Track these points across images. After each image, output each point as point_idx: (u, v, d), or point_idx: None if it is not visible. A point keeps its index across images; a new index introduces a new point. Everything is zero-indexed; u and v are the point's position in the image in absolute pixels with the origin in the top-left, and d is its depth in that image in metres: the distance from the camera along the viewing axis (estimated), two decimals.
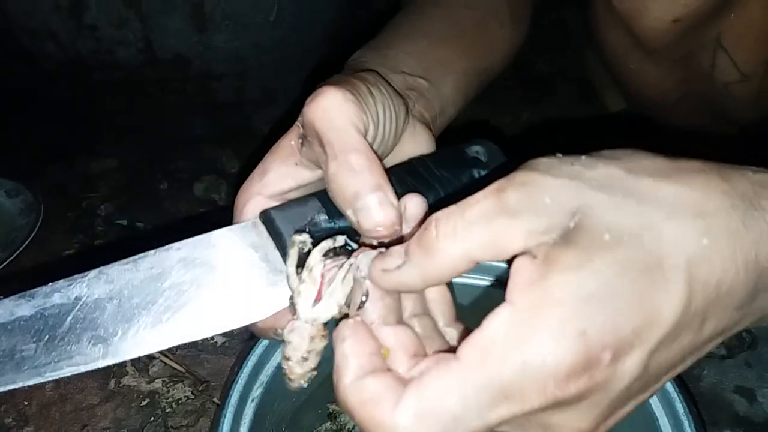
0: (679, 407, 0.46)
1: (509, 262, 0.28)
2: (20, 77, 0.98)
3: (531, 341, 0.25)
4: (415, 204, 0.36)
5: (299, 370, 0.35)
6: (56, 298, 0.35)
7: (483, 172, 0.45)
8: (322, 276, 0.35)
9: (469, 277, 0.58)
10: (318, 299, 0.35)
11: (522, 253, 0.27)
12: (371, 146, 0.37)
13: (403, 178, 0.41)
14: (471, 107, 1.12)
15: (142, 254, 0.37)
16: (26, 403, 0.69)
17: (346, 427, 0.58)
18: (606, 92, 1.09)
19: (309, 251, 0.36)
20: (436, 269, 0.29)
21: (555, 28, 1.25)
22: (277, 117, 1.11)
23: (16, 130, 1.06)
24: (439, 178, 0.42)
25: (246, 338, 0.71)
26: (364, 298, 0.32)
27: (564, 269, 0.25)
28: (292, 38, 0.98)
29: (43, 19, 0.88)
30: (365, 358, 0.30)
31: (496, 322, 0.26)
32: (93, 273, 0.36)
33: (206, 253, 0.38)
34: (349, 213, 0.36)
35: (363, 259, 0.33)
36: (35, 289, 0.35)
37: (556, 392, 0.25)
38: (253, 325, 0.38)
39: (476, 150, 0.46)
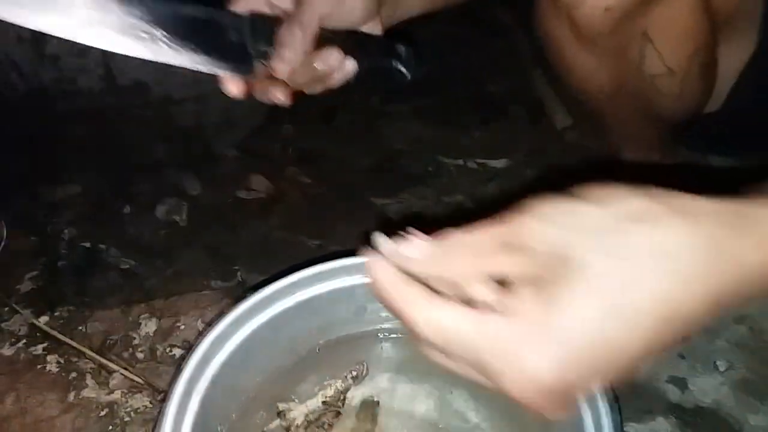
0: None
1: None
2: None
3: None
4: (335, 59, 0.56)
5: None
6: None
7: (401, 68, 0.61)
8: None
9: None
10: None
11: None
12: None
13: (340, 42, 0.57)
14: (430, 125, 1.18)
15: None
16: None
17: (295, 423, 0.60)
18: (554, 110, 1.15)
19: None
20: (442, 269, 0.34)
21: (506, 53, 1.31)
22: (237, 141, 1.15)
23: None
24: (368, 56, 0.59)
25: None
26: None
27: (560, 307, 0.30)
28: None
29: (6, 51, 0.91)
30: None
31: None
32: None
33: None
34: None
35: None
36: None
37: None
38: None
39: (402, 49, 0.61)
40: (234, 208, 1.04)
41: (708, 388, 0.72)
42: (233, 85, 0.59)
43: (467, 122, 1.19)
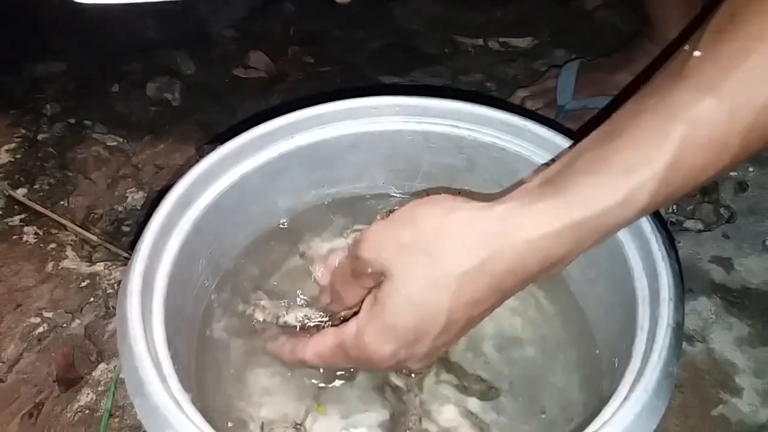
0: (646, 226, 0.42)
1: None
2: None
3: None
4: None
5: None
6: None
7: None
8: None
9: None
10: None
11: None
12: None
13: None
14: (446, 4, 1.07)
15: None
16: None
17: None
18: None
19: None
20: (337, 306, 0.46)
21: None
22: (234, 21, 1.05)
23: None
24: None
25: None
26: None
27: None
28: None
29: None
30: None
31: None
32: None
33: None
34: None
35: None
36: None
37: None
38: None
39: None
40: (231, 87, 0.95)
41: (756, 269, 0.65)
42: None
43: (488, 1, 1.08)
